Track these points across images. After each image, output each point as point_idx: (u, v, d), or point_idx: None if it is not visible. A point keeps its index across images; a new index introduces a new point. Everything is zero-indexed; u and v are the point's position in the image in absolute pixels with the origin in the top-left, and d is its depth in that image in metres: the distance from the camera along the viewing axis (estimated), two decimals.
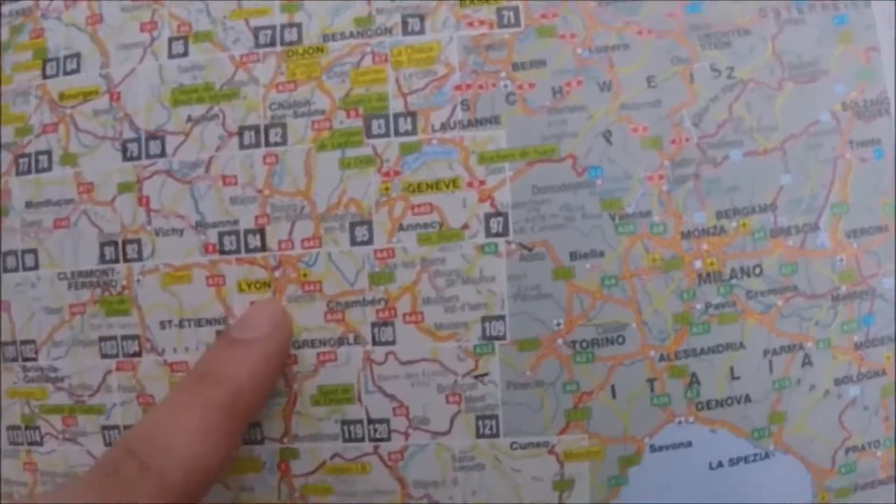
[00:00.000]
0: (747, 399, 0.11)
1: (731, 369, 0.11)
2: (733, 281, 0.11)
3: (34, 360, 0.13)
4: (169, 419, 0.10)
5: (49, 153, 0.12)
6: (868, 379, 0.12)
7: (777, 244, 0.11)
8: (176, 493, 0.09)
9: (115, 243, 0.12)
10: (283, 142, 0.12)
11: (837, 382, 0.12)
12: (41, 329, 0.12)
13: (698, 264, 0.11)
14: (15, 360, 0.13)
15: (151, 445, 0.09)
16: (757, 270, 0.11)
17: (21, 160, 0.12)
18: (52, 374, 0.12)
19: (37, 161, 0.12)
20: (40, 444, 0.13)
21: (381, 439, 0.11)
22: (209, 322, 0.12)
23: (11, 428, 0.13)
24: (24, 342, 0.13)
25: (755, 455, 0.11)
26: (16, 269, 0.13)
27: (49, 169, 0.12)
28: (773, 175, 0.11)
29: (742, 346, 0.11)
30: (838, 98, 0.12)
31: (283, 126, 0.12)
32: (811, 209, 0.11)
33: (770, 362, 0.11)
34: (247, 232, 0.12)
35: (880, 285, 0.12)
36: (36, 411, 0.13)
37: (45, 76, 0.12)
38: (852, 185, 0.11)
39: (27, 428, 0.13)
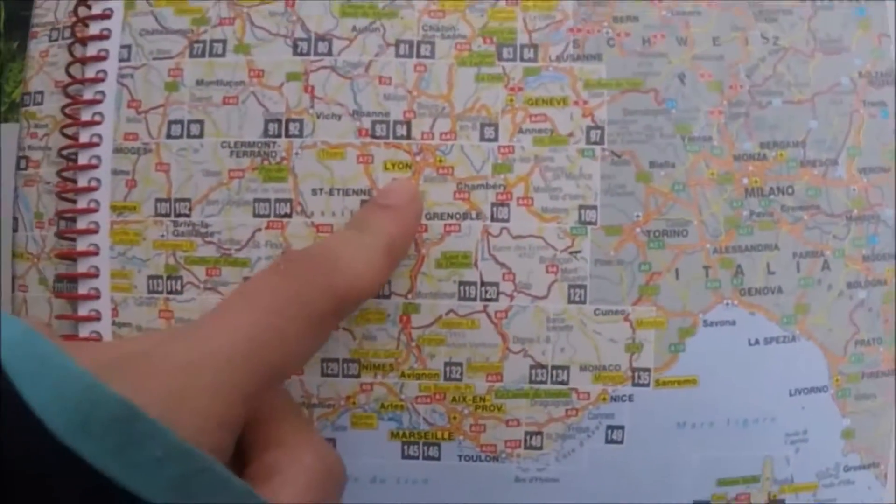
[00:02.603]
0: (779, 290, 0.24)
1: (768, 265, 0.24)
2: (771, 196, 0.24)
3: (187, 216, 0.24)
4: (337, 246, 0.21)
5: (224, 42, 0.24)
6: (873, 286, 0.25)
7: (805, 172, 0.25)
8: (338, 298, 0.20)
9: (279, 121, 0.24)
10: (431, 56, 0.24)
11: (849, 286, 0.25)
12: (198, 189, 0.24)
13: (745, 181, 0.24)
14: (167, 215, 0.24)
15: (324, 257, 0.21)
16: (790, 190, 0.24)
17: (196, 45, 0.24)
18: (203, 230, 0.24)
19: (211, 47, 0.24)
20: (180, 292, 0.24)
21: (490, 300, 0.23)
22: (355, 192, 0.24)
23: (152, 277, 0.24)
24: (179, 200, 0.24)
25: (784, 337, 0.24)
26: (179, 137, 0.24)
27: (223, 55, 0.24)
28: (803, 120, 0.25)
29: (777, 247, 0.24)
30: (856, 68, 0.25)
31: (433, 44, 0.24)
32: (832, 149, 0.25)
33: (798, 263, 0.24)
34: (395, 122, 0.24)
35: (883, 213, 0.25)
36: (181, 262, 0.24)
37: None
38: (864, 134, 0.25)
39: (169, 277, 0.24)
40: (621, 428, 0.24)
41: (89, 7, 0.26)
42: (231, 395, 0.16)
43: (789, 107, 0.25)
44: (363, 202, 0.24)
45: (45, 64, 0.26)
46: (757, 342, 0.25)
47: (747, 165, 0.25)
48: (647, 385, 0.24)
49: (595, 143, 0.25)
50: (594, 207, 0.24)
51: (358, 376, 0.24)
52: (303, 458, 0.18)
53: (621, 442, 0.24)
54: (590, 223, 0.24)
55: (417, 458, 0.24)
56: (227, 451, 0.17)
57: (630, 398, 0.24)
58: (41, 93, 0.26)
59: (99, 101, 0.25)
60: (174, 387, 0.15)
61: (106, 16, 0.26)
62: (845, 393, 0.25)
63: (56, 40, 0.26)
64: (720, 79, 0.25)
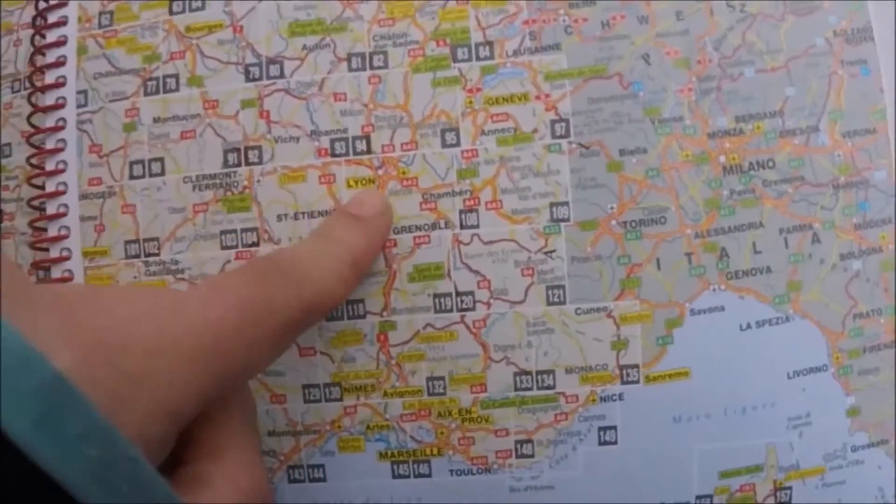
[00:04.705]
0: (768, 270, 0.22)
1: (754, 244, 0.22)
2: (751, 172, 0.22)
3: (156, 255, 0.23)
4: (305, 255, 0.20)
5: (176, 76, 0.23)
6: (868, 255, 0.22)
7: (785, 143, 0.22)
8: (304, 309, 0.18)
9: (238, 150, 0.23)
10: (385, 66, 0.22)
11: (842, 257, 0.22)
12: (164, 227, 0.23)
13: (722, 159, 0.22)
14: (137, 256, 0.23)
15: (292, 266, 0.19)
16: (770, 164, 0.22)
17: (149, 83, 0.23)
18: (174, 267, 0.23)
19: (164, 83, 0.23)
20: None
21: (467, 309, 0.22)
22: (321, 214, 0.22)
23: None
24: (147, 239, 0.23)
25: (777, 318, 0.22)
26: (142, 177, 0.23)
27: (176, 90, 0.23)
28: (779, 88, 0.22)
29: (762, 225, 0.22)
30: (831, 27, 0.23)
31: (385, 53, 0.22)
32: (812, 114, 0.23)
33: (785, 239, 0.22)
34: (354, 138, 0.22)
35: (873, 177, 0.23)
36: None
37: (171, 13, 0.23)
38: (845, 96, 0.23)
39: None
40: (613, 428, 0.22)
41: (44, 55, 0.25)
42: (186, 389, 0.15)
43: (763, 76, 0.23)
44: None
45: (10, 115, 0.25)
46: (749, 326, 0.23)
47: (723, 142, 0.23)
48: (637, 382, 0.22)
49: (561, 136, 0.23)
50: (566, 204, 0.22)
51: (341, 399, 0.23)
52: (238, 480, 0.17)
53: (615, 442, 0.22)
54: (563, 220, 0.22)
55: (408, 476, 0.23)
56: (167, 445, 0.15)
57: (620, 397, 0.22)
58: (9, 144, 0.25)
59: (61, 150, 0.24)
60: (133, 370, 0.14)
61: (60, 63, 0.24)
62: (847, 370, 0.23)
63: (18, 91, 0.25)
64: (687, 54, 0.23)
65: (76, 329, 0.14)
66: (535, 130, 0.23)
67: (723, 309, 0.22)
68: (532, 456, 0.22)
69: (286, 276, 0.18)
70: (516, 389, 0.22)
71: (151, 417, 0.14)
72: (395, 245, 0.22)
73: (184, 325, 0.15)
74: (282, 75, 0.23)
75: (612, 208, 0.22)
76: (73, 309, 0.15)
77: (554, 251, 0.22)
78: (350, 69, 0.23)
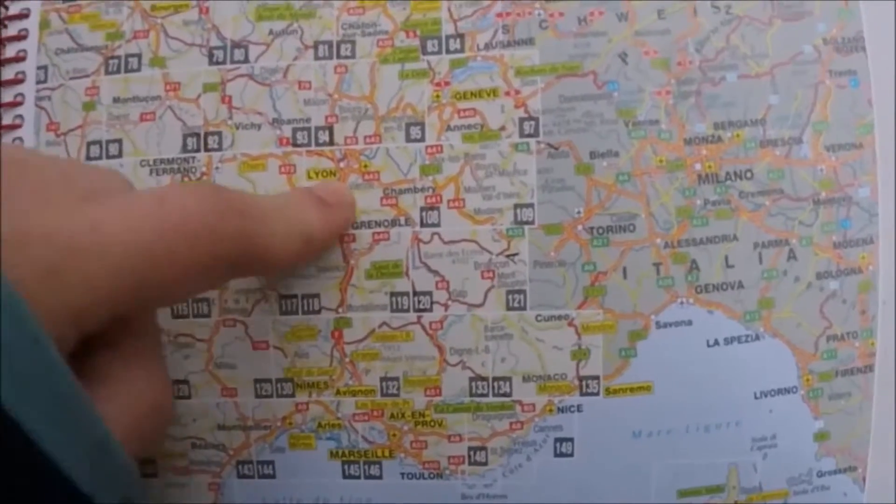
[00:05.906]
0: (740, 285, 0.21)
1: (726, 258, 0.21)
2: (728, 182, 0.21)
3: None
4: (269, 211, 0.18)
5: (139, 56, 0.22)
6: (846, 275, 0.21)
7: (766, 153, 0.21)
8: (247, 253, 0.17)
9: (198, 135, 0.22)
10: (352, 55, 0.22)
11: (819, 276, 0.21)
12: None
13: (698, 167, 0.21)
14: None
15: (253, 213, 0.17)
16: (748, 174, 0.21)
17: (111, 61, 0.22)
18: None
19: (126, 62, 0.22)
20: None
21: (424, 310, 0.21)
22: None
23: None
24: None
25: (747, 336, 0.21)
26: (99, 158, 0.22)
27: (138, 70, 0.22)
28: (762, 95, 0.21)
29: (735, 238, 0.21)
30: (820, 34, 0.22)
31: (353, 43, 0.22)
32: (795, 125, 0.21)
33: (760, 254, 0.21)
34: (317, 128, 0.21)
35: (856, 194, 0.21)
36: None
37: None
38: (831, 107, 0.22)
39: None
40: (570, 440, 0.21)
41: (6, 26, 0.24)
42: (97, 293, 0.14)
43: (746, 81, 0.22)
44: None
45: None
46: (717, 343, 0.22)
47: (700, 149, 0.22)
48: (597, 394, 0.21)
49: (529, 135, 0.22)
50: (531, 206, 0.21)
51: (293, 396, 0.22)
52: (135, 379, 0.16)
53: (571, 455, 0.21)
54: (527, 223, 0.21)
55: (359, 477, 0.22)
56: (64, 350, 0.14)
57: (579, 408, 0.21)
58: None
59: (18, 126, 0.23)
60: (49, 262, 0.14)
61: (22, 37, 0.24)
62: (817, 393, 0.22)
63: None
64: (667, 55, 0.22)
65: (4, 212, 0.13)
66: (503, 128, 0.22)
67: (690, 323, 0.21)
68: (485, 464, 0.22)
69: (243, 217, 0.17)
70: (471, 395, 0.21)
71: (55, 314, 0.14)
72: (354, 240, 0.22)
73: (117, 229, 0.15)
74: (246, 60, 0.22)
75: (578, 213, 0.21)
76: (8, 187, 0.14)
77: (516, 254, 0.21)
78: (316, 57, 0.22)
